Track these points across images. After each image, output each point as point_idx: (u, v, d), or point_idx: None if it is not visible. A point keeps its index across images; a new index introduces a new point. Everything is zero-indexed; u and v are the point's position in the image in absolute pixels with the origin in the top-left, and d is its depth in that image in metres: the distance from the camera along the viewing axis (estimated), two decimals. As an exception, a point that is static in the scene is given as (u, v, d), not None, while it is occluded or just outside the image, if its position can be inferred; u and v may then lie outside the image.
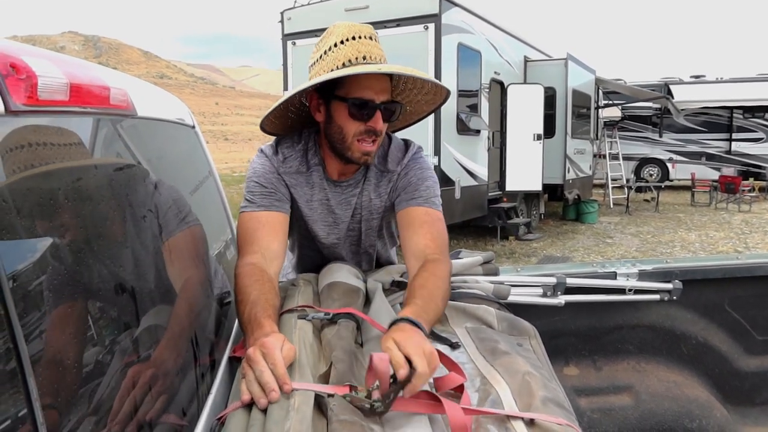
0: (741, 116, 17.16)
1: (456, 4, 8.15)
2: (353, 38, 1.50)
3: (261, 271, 1.40)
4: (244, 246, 1.51)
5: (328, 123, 1.55)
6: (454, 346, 1.39)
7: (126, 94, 1.05)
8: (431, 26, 7.73)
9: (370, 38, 1.51)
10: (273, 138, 1.72)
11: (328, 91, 1.52)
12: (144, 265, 1.00)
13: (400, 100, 1.67)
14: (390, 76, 1.54)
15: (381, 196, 1.68)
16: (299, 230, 1.76)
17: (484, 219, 9.43)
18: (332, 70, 1.47)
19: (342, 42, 1.50)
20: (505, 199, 9.75)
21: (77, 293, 0.78)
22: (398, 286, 1.69)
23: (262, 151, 1.65)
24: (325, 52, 1.51)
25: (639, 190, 15.53)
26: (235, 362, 1.31)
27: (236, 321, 1.58)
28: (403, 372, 1.02)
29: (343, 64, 1.47)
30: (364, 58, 1.47)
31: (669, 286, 2.19)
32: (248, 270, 1.40)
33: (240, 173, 26.51)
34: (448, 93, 1.65)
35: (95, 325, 0.81)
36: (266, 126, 1.68)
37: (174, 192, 1.33)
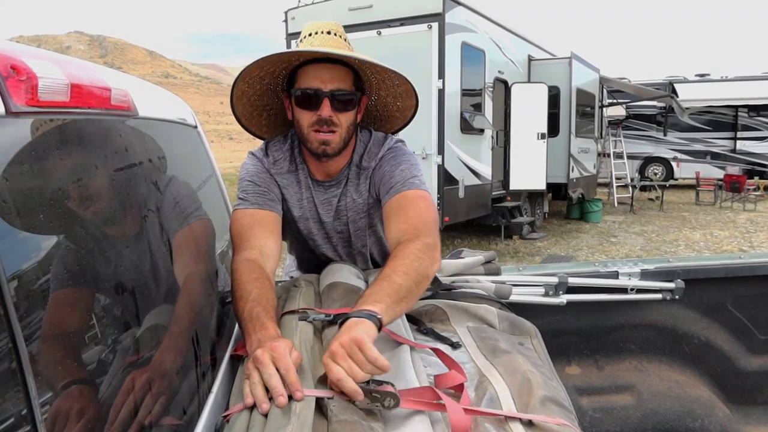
0: (746, 115, 17.10)
1: (460, 3, 8.14)
2: (309, 35, 1.54)
3: (260, 268, 1.41)
4: (240, 242, 1.51)
5: (293, 120, 1.58)
6: (455, 345, 1.40)
7: (127, 95, 1.05)
8: (435, 25, 7.71)
9: (329, 33, 1.54)
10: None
11: (290, 89, 1.56)
12: (146, 263, 1.01)
13: (384, 95, 1.69)
14: (353, 69, 1.56)
15: (362, 194, 1.68)
16: (292, 232, 1.77)
17: (488, 218, 9.42)
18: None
19: (301, 41, 1.55)
20: (508, 198, 9.73)
21: (80, 292, 0.78)
22: None
23: (253, 154, 1.68)
24: None
25: (643, 189, 15.48)
26: (236, 360, 1.32)
27: (236, 323, 1.59)
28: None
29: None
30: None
31: (671, 285, 2.18)
32: (247, 266, 1.40)
33: (244, 172, 26.53)
34: (409, 82, 1.61)
35: (99, 320, 0.82)
36: (245, 122, 1.71)
37: (181, 188, 1.34)
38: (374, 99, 1.72)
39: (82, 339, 0.77)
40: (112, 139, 0.99)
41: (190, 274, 1.26)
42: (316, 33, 1.54)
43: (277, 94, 1.68)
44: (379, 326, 1.14)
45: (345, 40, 1.57)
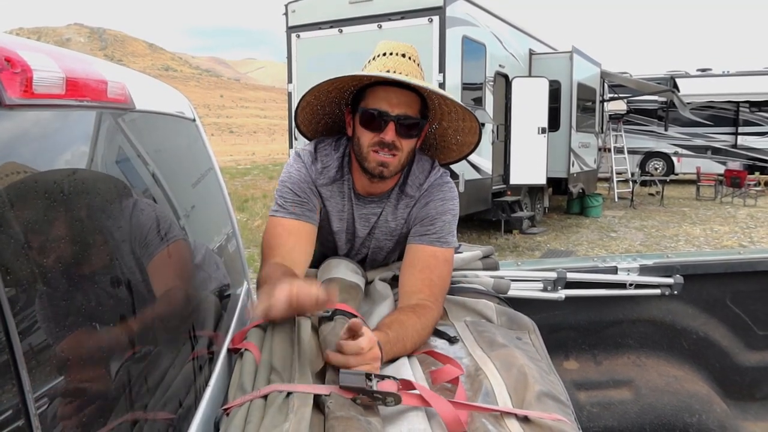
0: (747, 110, 17.06)
1: (460, -3, 8.12)
2: (384, 54, 1.52)
3: (285, 266, 1.43)
4: (268, 251, 1.52)
5: (353, 136, 1.56)
6: (452, 340, 1.40)
7: (124, 88, 1.05)
8: (435, 19, 7.69)
9: (403, 55, 1.52)
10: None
11: (355, 105, 1.54)
12: (132, 266, 1.00)
13: (446, 126, 1.67)
14: (422, 97, 1.54)
15: (397, 219, 1.66)
16: (322, 241, 1.74)
17: (488, 212, 9.40)
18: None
19: (374, 58, 1.53)
20: (509, 193, 9.72)
21: (76, 284, 0.78)
22: (398, 281, 1.69)
23: (299, 156, 1.63)
24: (362, 69, 1.55)
25: (644, 183, 15.47)
26: (233, 353, 1.32)
27: (235, 314, 1.59)
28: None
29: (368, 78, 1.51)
30: (388, 71, 1.48)
31: (670, 280, 2.18)
32: (272, 267, 1.43)
33: (244, 166, 26.52)
34: (477, 121, 1.61)
35: (96, 314, 0.81)
36: (303, 128, 1.70)
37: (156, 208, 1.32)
38: (435, 127, 1.70)
39: (77, 333, 0.77)
40: (108, 132, 0.99)
41: (186, 267, 1.26)
42: (391, 54, 1.52)
43: (340, 106, 1.66)
44: None
45: (418, 64, 1.55)
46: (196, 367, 1.16)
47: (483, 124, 1.63)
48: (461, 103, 1.55)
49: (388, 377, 1.06)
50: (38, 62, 0.75)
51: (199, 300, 1.32)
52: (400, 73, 1.47)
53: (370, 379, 1.03)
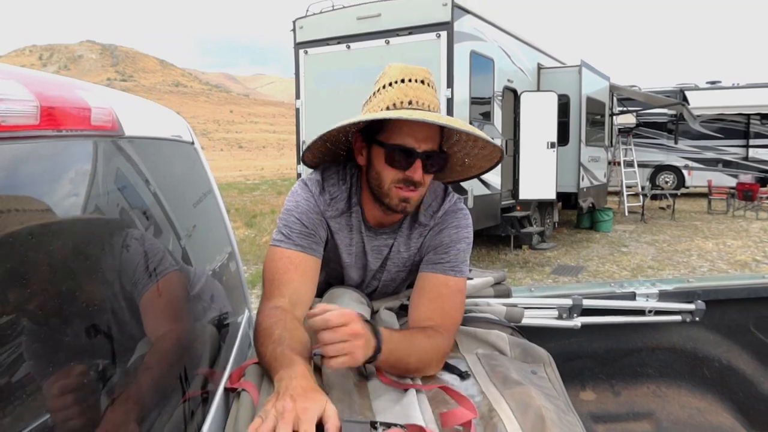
0: (758, 122, 16.94)
1: (468, 12, 8.09)
2: (402, 81, 1.41)
3: (285, 312, 1.32)
4: (271, 287, 1.41)
5: (368, 167, 1.46)
6: (463, 375, 1.33)
7: (111, 113, 0.98)
8: (443, 34, 7.67)
9: (422, 82, 1.41)
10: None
11: (370, 134, 1.43)
12: (123, 304, 0.93)
13: (456, 150, 1.57)
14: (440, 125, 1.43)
15: (410, 248, 1.57)
16: (330, 272, 1.66)
17: (497, 228, 9.34)
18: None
19: (391, 84, 1.42)
20: (518, 208, 9.64)
21: (53, 322, 0.71)
22: (406, 310, 1.62)
23: (307, 185, 1.53)
24: (374, 93, 1.45)
25: (654, 197, 15.34)
26: (230, 393, 1.25)
27: (234, 346, 1.52)
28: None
29: (387, 108, 1.39)
30: (410, 102, 1.38)
31: (691, 306, 2.10)
32: (272, 312, 1.32)
33: (253, 181, 26.61)
34: (502, 153, 1.53)
35: (80, 353, 0.75)
36: (307, 160, 1.60)
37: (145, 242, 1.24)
38: (454, 150, 1.60)
39: (60, 371, 0.70)
40: (92, 163, 0.92)
41: (181, 301, 1.19)
42: (410, 80, 1.41)
43: (346, 134, 1.55)
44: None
45: (434, 89, 1.45)
46: (188, 410, 1.08)
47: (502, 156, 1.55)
48: (491, 140, 1.45)
49: (395, 425, 0.99)
50: (7, 90, 0.68)
51: (195, 335, 1.24)
52: (423, 103, 1.38)
53: (375, 428, 0.97)
